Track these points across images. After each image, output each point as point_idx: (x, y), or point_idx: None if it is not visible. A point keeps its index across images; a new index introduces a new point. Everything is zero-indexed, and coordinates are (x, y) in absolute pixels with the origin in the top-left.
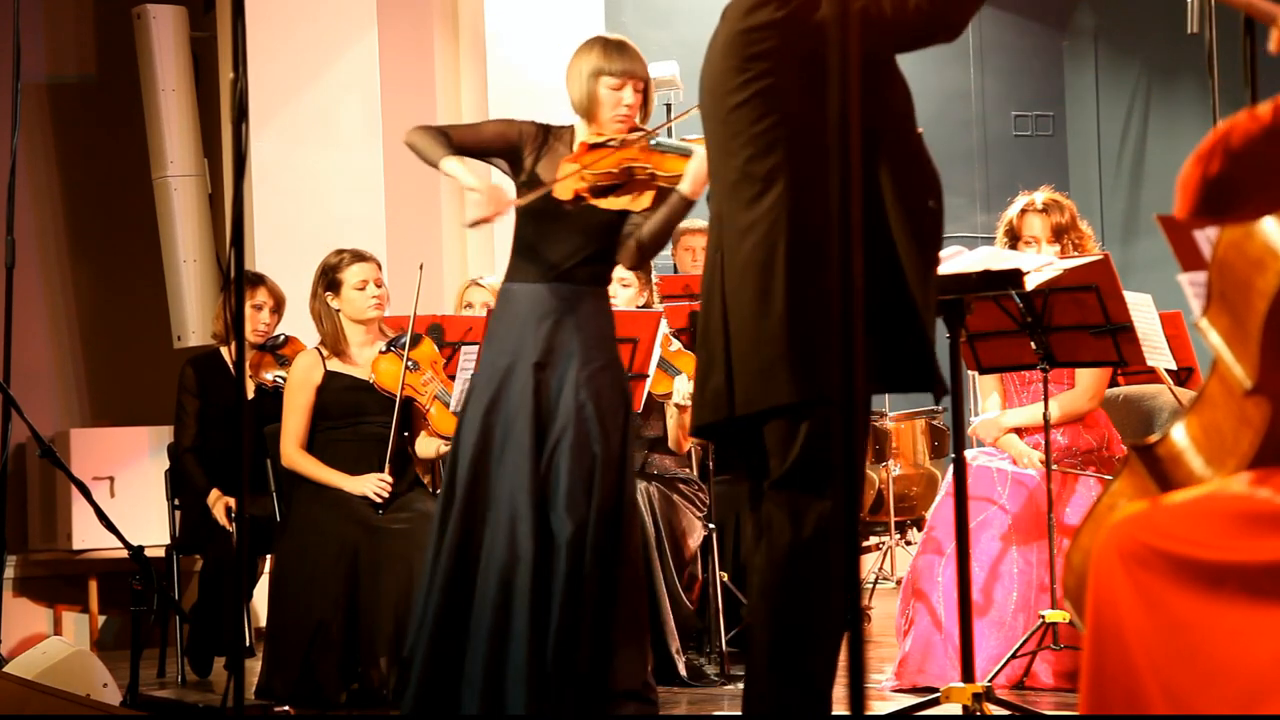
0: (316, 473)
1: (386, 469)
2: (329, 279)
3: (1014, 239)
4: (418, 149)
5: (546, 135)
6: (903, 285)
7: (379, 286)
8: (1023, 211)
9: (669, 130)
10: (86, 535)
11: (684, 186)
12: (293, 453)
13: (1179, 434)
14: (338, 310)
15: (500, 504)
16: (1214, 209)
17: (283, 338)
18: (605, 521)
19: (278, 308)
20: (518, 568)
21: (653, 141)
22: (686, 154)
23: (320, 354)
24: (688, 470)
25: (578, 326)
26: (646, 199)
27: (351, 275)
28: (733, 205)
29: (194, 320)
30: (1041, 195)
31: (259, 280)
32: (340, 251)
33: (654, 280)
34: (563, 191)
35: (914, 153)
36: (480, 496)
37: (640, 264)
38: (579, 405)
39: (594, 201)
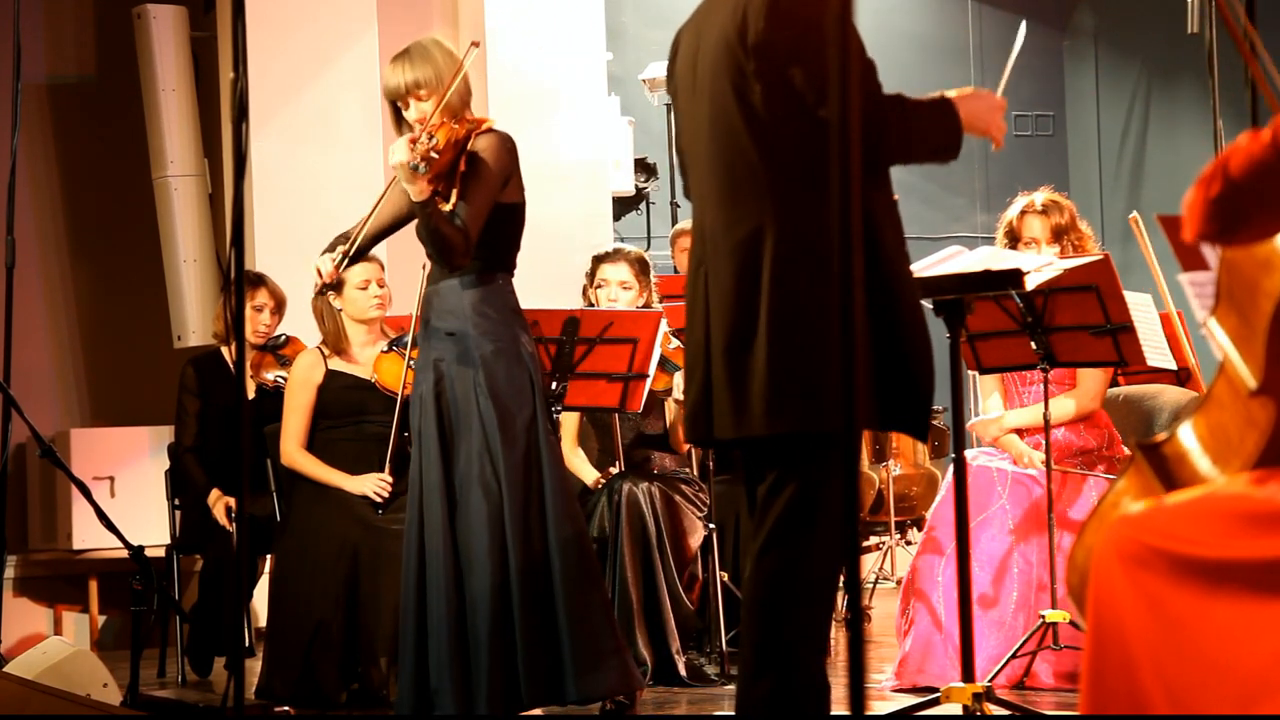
0: (317, 472)
1: (387, 469)
2: None
3: (1014, 240)
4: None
5: None
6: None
7: (381, 287)
8: (1022, 213)
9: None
10: (86, 535)
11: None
12: (293, 452)
13: (1185, 434)
14: (340, 310)
15: (427, 505)
16: (1219, 232)
17: (283, 337)
18: (526, 569)
19: (278, 308)
20: (433, 575)
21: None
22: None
23: (321, 353)
24: (688, 470)
25: (464, 315)
26: (453, 193)
27: (354, 275)
28: (718, 219)
29: (194, 320)
30: (1041, 196)
31: (259, 281)
32: None
33: (653, 281)
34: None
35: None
36: (419, 499)
37: (447, 263)
38: (480, 415)
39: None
